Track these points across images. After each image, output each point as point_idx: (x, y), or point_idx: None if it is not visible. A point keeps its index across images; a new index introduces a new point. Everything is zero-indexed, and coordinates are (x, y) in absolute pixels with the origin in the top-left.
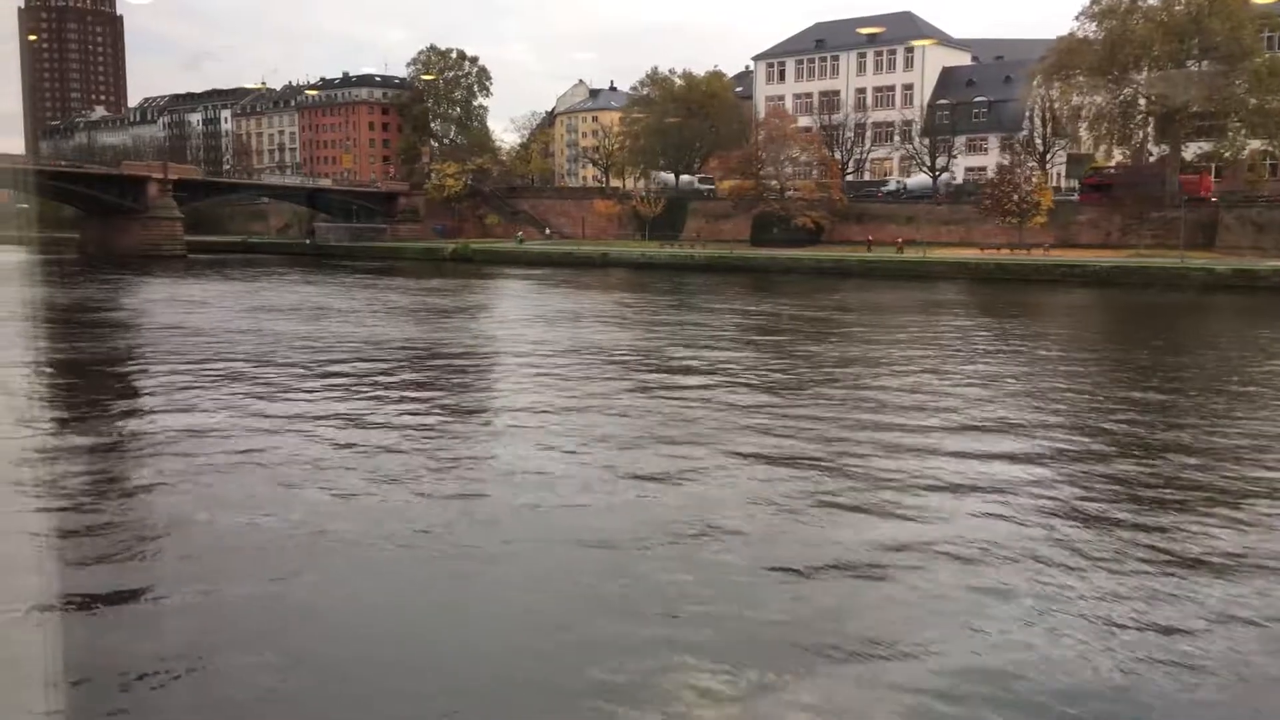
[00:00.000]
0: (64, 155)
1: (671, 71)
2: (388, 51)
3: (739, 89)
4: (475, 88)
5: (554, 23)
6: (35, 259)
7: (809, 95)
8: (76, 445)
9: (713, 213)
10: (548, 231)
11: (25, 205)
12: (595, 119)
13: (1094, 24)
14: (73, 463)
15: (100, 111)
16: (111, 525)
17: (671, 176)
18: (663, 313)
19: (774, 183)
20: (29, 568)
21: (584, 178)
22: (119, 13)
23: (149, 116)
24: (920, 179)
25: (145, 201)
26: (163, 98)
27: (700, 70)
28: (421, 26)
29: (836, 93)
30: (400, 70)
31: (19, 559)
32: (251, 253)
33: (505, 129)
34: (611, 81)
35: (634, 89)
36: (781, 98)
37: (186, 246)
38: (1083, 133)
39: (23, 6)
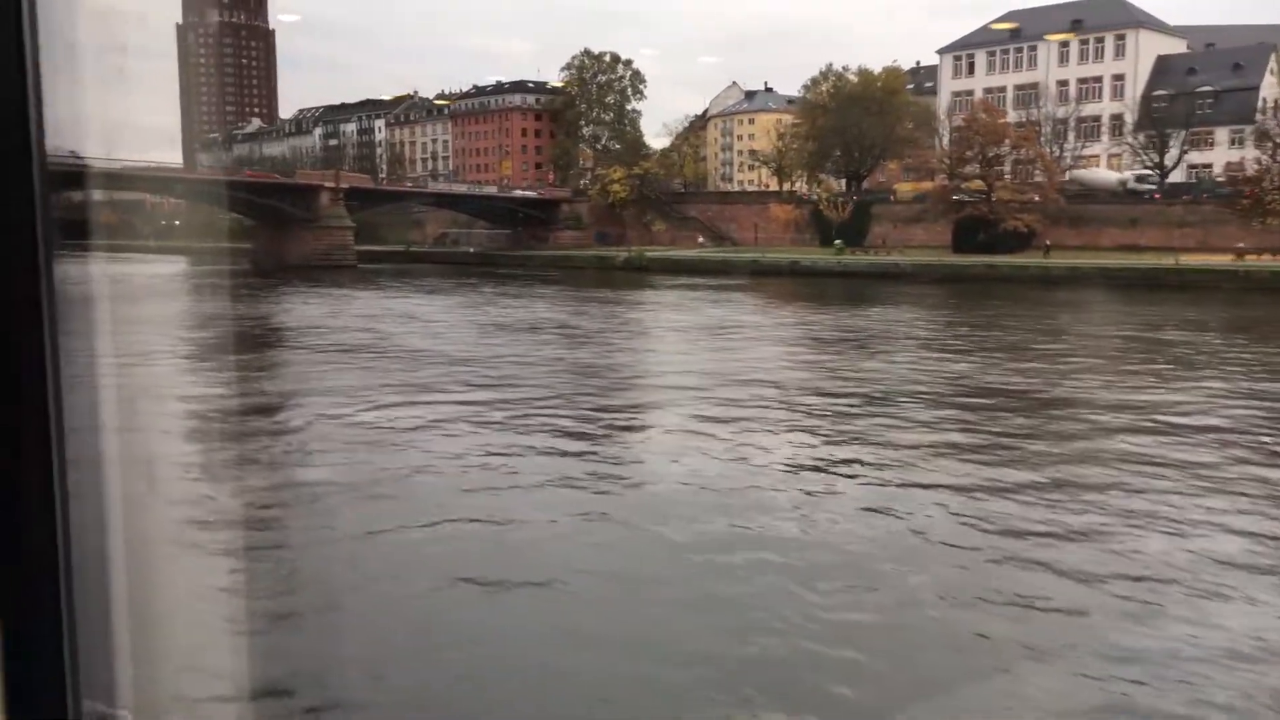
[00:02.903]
0: (224, 167)
1: (845, 69)
2: (516, 62)
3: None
4: (629, 91)
5: (677, 29)
6: (212, 269)
7: (1002, 89)
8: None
9: (900, 217)
10: (699, 240)
11: (225, 216)
12: (752, 121)
13: None
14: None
15: (256, 124)
16: None
17: (837, 180)
18: (962, 332)
19: (978, 183)
20: None
21: (742, 181)
22: (271, 26)
23: (304, 127)
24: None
25: (317, 210)
26: (317, 109)
27: (861, 68)
28: (548, 38)
29: (1034, 85)
30: (551, 76)
31: None
32: (414, 261)
33: (656, 133)
34: (766, 83)
35: (805, 87)
36: (970, 92)
37: (357, 256)
38: None
39: (180, 23)
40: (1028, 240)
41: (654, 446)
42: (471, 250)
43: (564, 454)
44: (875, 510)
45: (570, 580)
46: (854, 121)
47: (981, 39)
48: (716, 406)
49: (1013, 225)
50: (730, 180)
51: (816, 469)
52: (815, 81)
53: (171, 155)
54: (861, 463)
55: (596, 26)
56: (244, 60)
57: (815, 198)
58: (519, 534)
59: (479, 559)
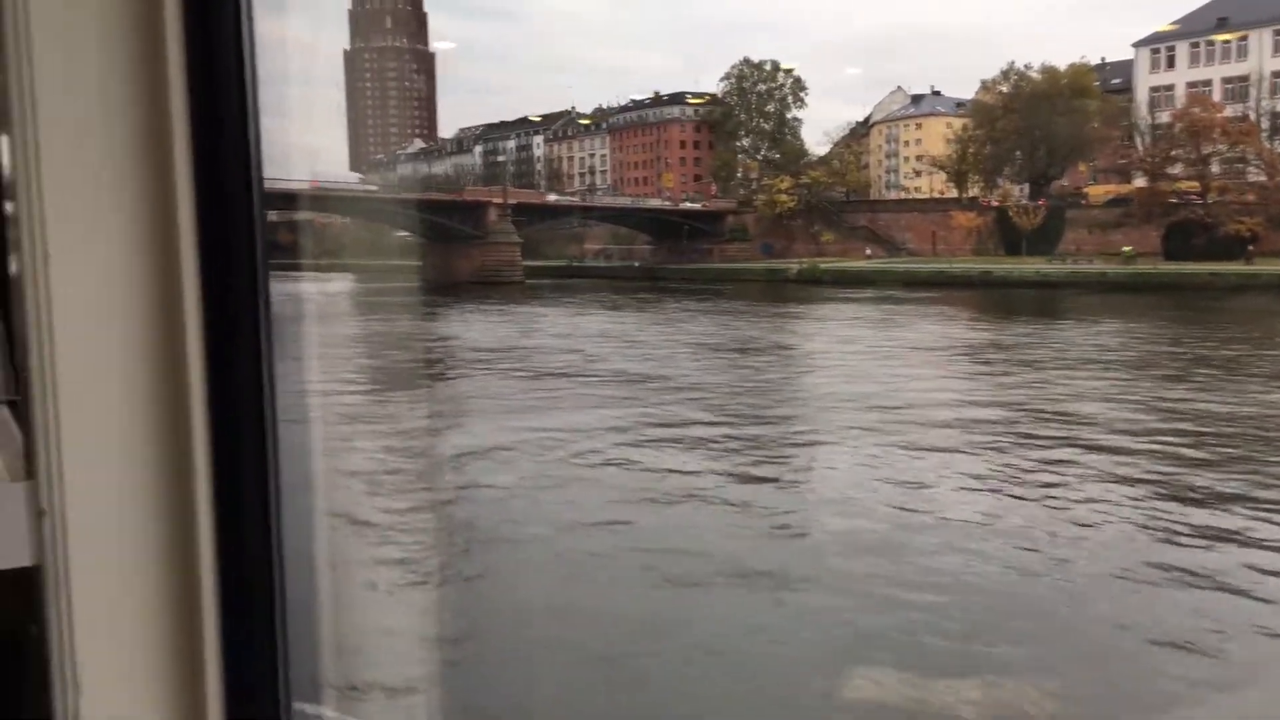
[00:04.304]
0: (389, 186)
1: (1027, 67)
2: (657, 77)
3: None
4: (789, 99)
5: (816, 38)
6: (383, 287)
7: (1207, 82)
8: None
9: (1096, 222)
10: (867, 251)
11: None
12: (919, 126)
13: None
14: None
15: (418, 144)
16: None
17: (1017, 185)
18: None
19: (1191, 184)
20: None
21: (908, 189)
22: (432, 50)
23: (465, 146)
24: None
25: (485, 227)
26: (477, 127)
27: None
28: (688, 52)
29: (1244, 78)
30: (697, 88)
31: None
32: (577, 276)
33: (818, 141)
34: (932, 86)
35: (985, 85)
36: (1169, 87)
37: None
38: None
39: (347, 50)
40: (1245, 246)
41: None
42: (636, 265)
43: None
44: None
45: None
46: (1039, 122)
47: (1183, 30)
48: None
49: (1233, 229)
50: (896, 188)
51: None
52: (994, 82)
53: (338, 176)
54: None
55: (735, 39)
56: (406, 83)
57: (1000, 203)
58: None
59: None
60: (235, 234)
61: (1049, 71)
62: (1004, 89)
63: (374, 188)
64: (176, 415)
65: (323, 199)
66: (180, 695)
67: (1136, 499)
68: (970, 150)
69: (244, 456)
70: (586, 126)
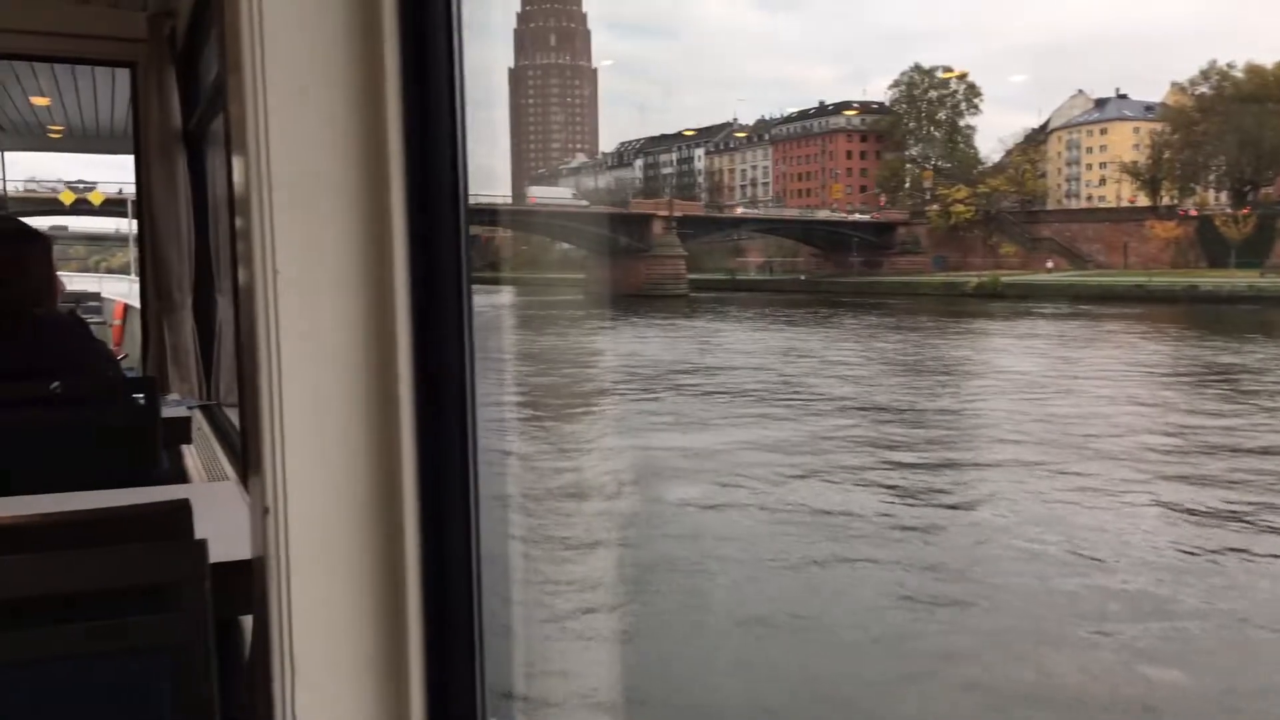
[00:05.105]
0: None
1: (1230, 66)
2: (816, 88)
3: None
4: (963, 106)
5: (979, 46)
6: (546, 300)
7: None
8: None
9: None
10: (1048, 265)
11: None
12: (1104, 131)
13: None
14: None
15: (580, 158)
16: None
17: (1215, 192)
18: None
19: None
20: None
21: (1092, 197)
22: (594, 66)
23: (625, 159)
24: None
25: (649, 239)
26: (638, 141)
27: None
28: (847, 62)
29: None
30: (856, 98)
31: None
32: (740, 290)
33: (991, 149)
34: (1118, 89)
35: (1179, 87)
36: None
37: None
38: None
39: (512, 68)
40: None
41: None
42: (802, 278)
43: None
44: None
45: None
46: (1245, 125)
47: None
48: None
49: None
50: (1077, 196)
51: None
52: (1191, 83)
53: (502, 191)
54: None
55: (895, 48)
56: (569, 99)
57: (1201, 212)
58: None
59: None
60: (443, 248)
61: (1254, 70)
62: (1203, 90)
63: (585, 204)
64: (387, 420)
65: (490, 213)
66: (386, 685)
67: None
68: (1165, 156)
69: (447, 462)
70: (747, 138)
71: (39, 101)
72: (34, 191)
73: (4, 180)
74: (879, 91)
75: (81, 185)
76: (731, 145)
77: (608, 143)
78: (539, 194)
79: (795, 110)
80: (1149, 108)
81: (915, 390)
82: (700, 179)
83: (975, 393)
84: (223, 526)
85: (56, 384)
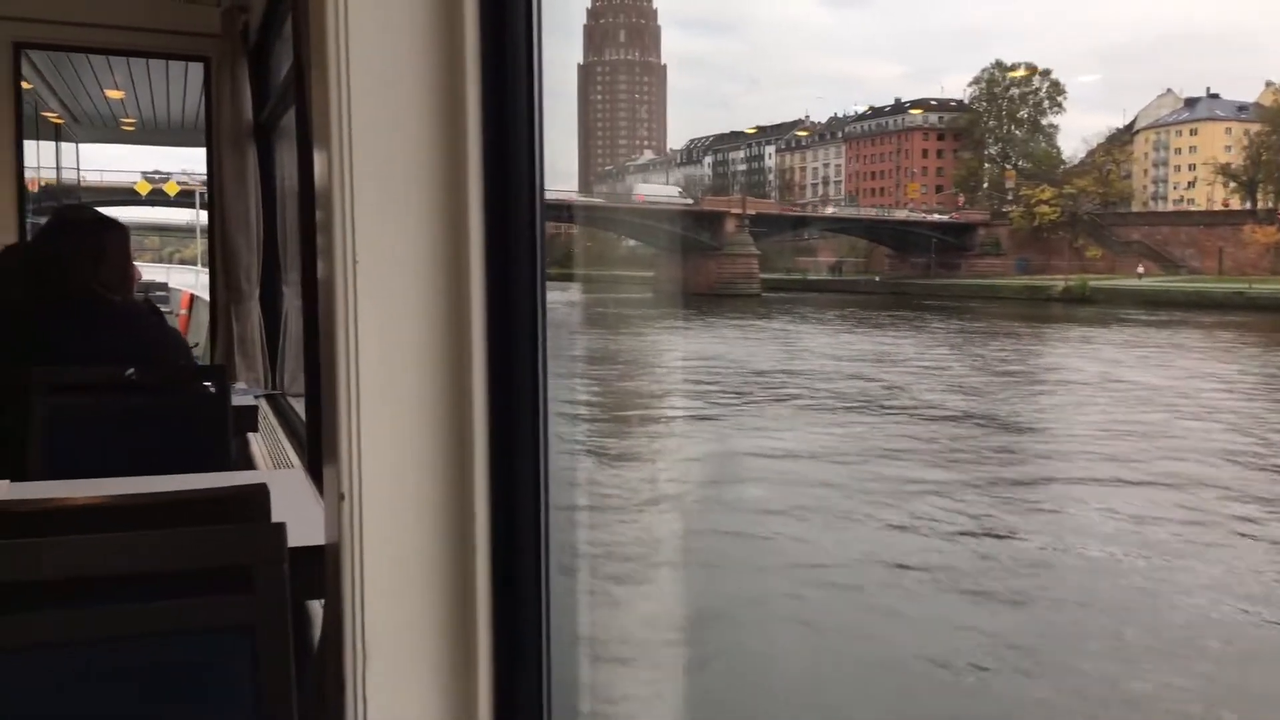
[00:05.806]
0: (618, 196)
1: None
2: (881, 86)
3: None
4: (1045, 104)
5: (1048, 46)
6: (614, 298)
7: None
8: None
9: None
10: (1139, 270)
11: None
12: (1194, 132)
13: None
14: None
15: (648, 155)
16: None
17: None
18: None
19: None
20: None
21: (1182, 199)
22: (663, 62)
23: (694, 157)
24: None
25: (722, 237)
26: (707, 138)
27: None
28: (914, 60)
29: None
30: (949, 94)
31: None
32: (812, 290)
33: (1073, 149)
34: (1209, 88)
35: (1275, 86)
36: None
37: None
38: None
39: (581, 64)
40: None
41: None
42: (876, 279)
43: None
44: None
45: None
46: None
47: None
48: None
49: None
50: (1164, 199)
51: None
52: None
53: (568, 186)
54: None
55: (962, 46)
56: (637, 95)
57: None
58: None
59: None
60: (519, 245)
61: None
62: None
63: (690, 201)
64: (460, 413)
65: (562, 208)
66: (454, 681)
67: None
68: (1264, 158)
69: (518, 456)
70: (819, 135)
71: (113, 94)
72: (105, 182)
73: (79, 170)
74: (953, 89)
75: (157, 175)
76: (803, 143)
77: (676, 140)
78: (647, 191)
79: (869, 107)
80: (1242, 108)
81: (1035, 404)
82: (770, 177)
83: (1113, 406)
84: (289, 513)
85: (132, 370)
